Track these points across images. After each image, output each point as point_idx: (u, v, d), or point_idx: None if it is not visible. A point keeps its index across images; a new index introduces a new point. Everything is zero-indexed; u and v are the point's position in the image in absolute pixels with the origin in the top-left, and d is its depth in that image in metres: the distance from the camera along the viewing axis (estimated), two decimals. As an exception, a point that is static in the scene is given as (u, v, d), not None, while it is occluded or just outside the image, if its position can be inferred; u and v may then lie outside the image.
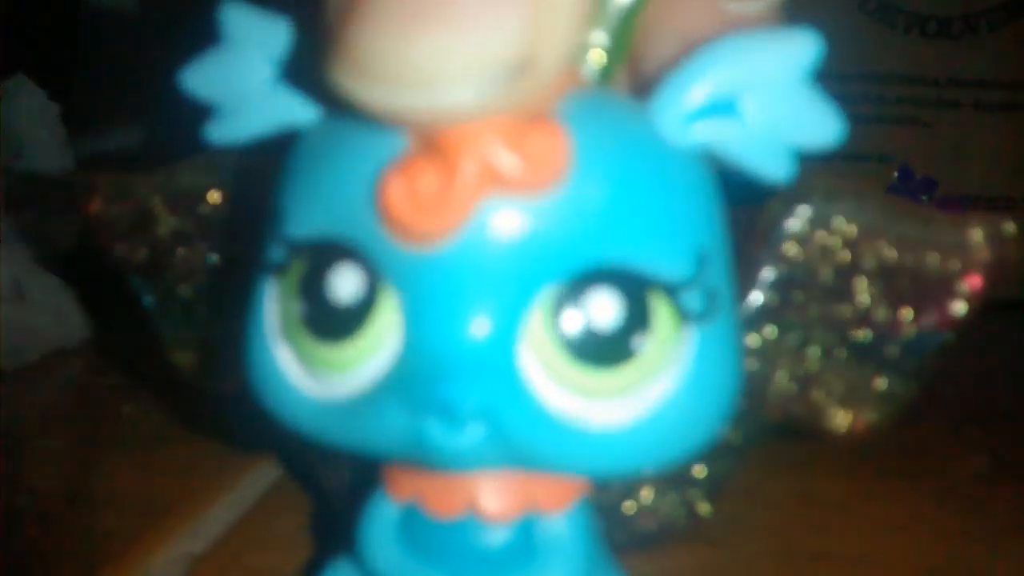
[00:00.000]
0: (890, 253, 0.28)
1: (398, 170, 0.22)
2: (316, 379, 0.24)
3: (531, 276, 0.22)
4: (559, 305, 0.23)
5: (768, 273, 0.28)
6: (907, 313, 0.28)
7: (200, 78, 0.26)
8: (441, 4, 0.20)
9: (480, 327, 0.22)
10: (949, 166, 0.71)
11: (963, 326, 0.28)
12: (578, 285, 0.23)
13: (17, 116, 0.53)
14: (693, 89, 0.24)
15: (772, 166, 0.24)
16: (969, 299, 0.28)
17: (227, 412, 0.31)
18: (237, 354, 0.31)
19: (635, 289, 0.23)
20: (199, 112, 0.25)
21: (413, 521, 0.26)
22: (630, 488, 0.31)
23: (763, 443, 0.30)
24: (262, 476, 0.40)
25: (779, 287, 0.28)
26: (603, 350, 0.23)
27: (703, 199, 0.24)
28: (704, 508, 0.31)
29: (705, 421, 0.24)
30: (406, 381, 0.22)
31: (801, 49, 0.23)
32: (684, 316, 0.23)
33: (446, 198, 0.21)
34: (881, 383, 0.29)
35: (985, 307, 0.28)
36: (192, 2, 0.27)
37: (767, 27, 0.25)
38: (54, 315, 0.52)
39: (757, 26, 0.26)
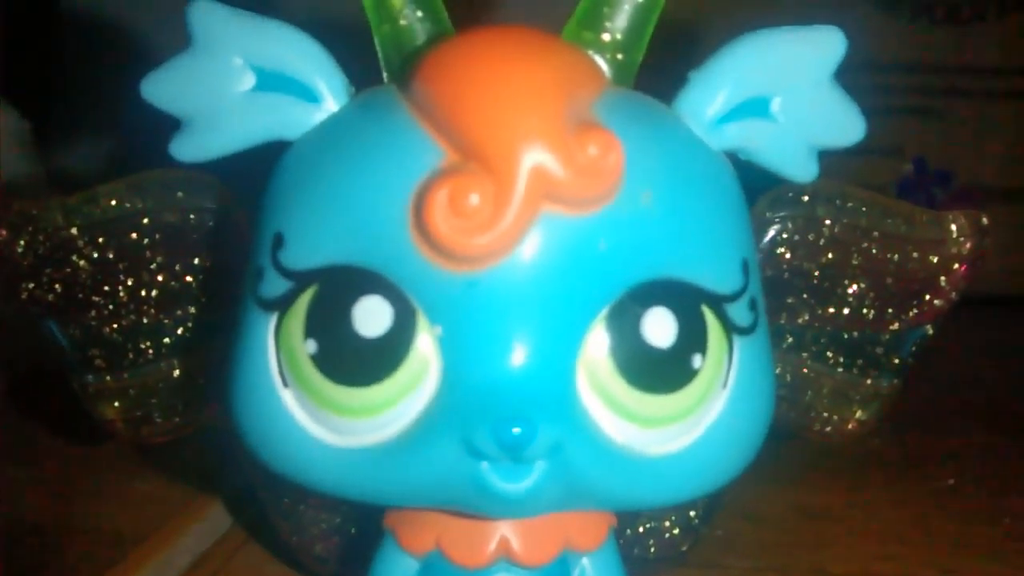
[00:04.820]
0: (875, 251, 0.28)
1: (441, 184, 0.19)
2: (333, 426, 0.21)
3: (587, 297, 0.20)
4: (615, 327, 0.21)
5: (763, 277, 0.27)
6: (893, 310, 0.28)
7: (166, 88, 0.22)
8: None
9: (540, 357, 0.20)
10: (963, 157, 0.68)
11: (942, 318, 0.28)
12: (634, 304, 0.21)
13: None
14: (724, 90, 0.23)
15: (799, 167, 0.24)
16: (951, 292, 0.28)
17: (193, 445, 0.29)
18: (179, 401, 0.28)
19: (690, 305, 0.21)
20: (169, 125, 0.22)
21: (434, 574, 0.23)
22: (630, 516, 0.29)
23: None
24: (225, 509, 0.38)
25: (773, 291, 0.27)
26: (663, 373, 0.21)
27: (740, 204, 0.23)
28: (703, 528, 0.30)
29: (752, 438, 0.23)
30: (456, 422, 0.20)
31: (827, 47, 0.23)
32: (733, 330, 0.22)
33: (500, 215, 0.19)
34: (868, 381, 0.28)
35: (971, 304, 0.28)
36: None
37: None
38: (28, 338, 0.47)
39: None
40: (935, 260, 0.28)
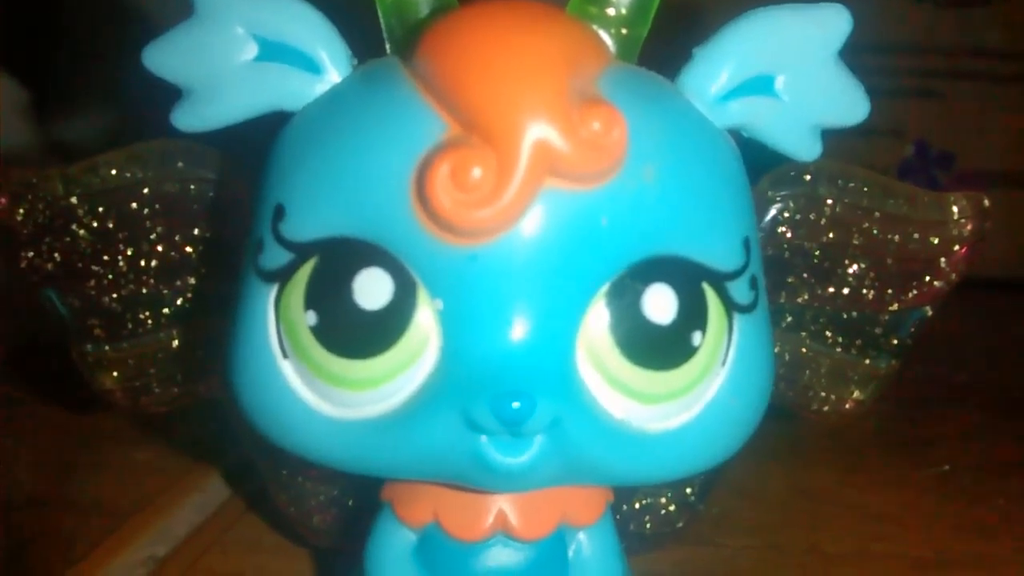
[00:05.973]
0: (876, 232, 0.28)
1: (444, 157, 0.19)
2: (332, 398, 0.21)
3: (588, 273, 0.20)
4: (616, 303, 0.21)
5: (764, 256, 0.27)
6: (892, 290, 0.28)
7: (168, 57, 0.22)
8: None
9: (540, 332, 0.20)
10: (966, 140, 0.67)
11: (942, 300, 0.28)
12: (635, 280, 0.21)
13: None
14: (728, 67, 0.22)
15: (802, 145, 0.24)
16: (951, 273, 0.28)
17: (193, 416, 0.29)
18: (178, 372, 0.28)
19: (691, 282, 0.21)
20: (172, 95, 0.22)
21: (432, 546, 0.23)
22: (627, 492, 0.29)
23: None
24: (225, 479, 0.39)
25: (773, 270, 0.27)
26: (663, 350, 0.21)
27: (742, 182, 0.23)
28: (699, 505, 0.30)
29: (750, 416, 0.23)
30: (455, 396, 0.20)
31: (832, 25, 0.23)
32: (733, 308, 0.22)
33: (502, 189, 0.19)
34: (867, 362, 0.28)
35: (971, 287, 0.28)
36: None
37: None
38: (25, 310, 0.47)
39: None
40: (936, 241, 0.28)
